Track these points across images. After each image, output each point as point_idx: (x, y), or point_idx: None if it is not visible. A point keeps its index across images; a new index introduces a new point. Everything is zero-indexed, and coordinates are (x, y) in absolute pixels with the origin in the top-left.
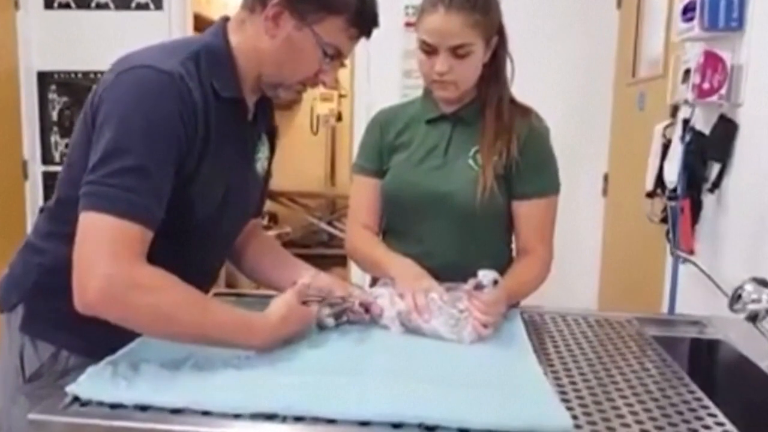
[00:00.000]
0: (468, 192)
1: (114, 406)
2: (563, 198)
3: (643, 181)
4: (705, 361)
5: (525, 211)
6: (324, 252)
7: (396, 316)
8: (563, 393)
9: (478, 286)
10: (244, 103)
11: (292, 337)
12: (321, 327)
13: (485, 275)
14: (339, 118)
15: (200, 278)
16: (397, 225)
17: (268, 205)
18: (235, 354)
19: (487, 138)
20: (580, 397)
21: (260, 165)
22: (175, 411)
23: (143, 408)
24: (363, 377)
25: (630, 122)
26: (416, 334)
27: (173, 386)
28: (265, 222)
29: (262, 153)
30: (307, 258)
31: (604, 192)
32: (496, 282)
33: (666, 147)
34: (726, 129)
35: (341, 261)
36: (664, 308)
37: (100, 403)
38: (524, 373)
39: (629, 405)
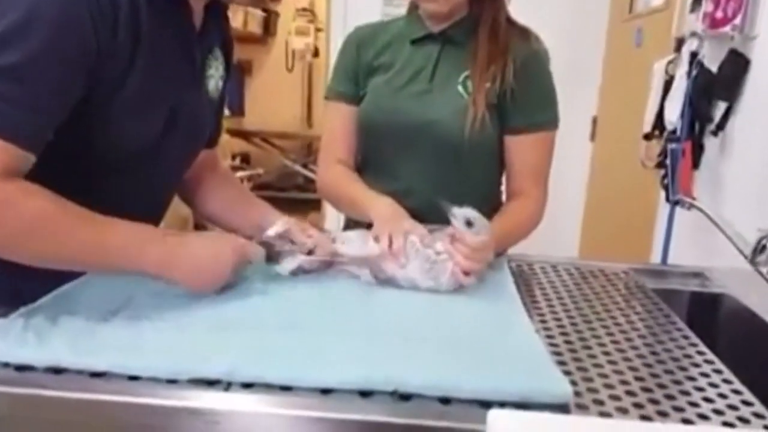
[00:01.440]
0: (456, 122)
1: (20, 368)
2: None
3: (636, 124)
4: (707, 316)
5: (519, 147)
6: (299, 196)
7: (366, 263)
8: (557, 354)
9: (469, 223)
10: (186, 6)
11: (225, 273)
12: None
13: (463, 214)
14: (316, 53)
15: (143, 212)
16: (373, 159)
17: (240, 146)
18: (175, 307)
19: (479, 61)
20: (577, 359)
21: (213, 84)
22: (96, 375)
23: (57, 371)
24: (325, 335)
25: (624, 61)
26: (390, 285)
27: (95, 345)
28: (237, 163)
29: (215, 70)
30: (281, 202)
31: (592, 136)
32: (469, 223)
33: (668, 85)
34: (736, 65)
35: (317, 205)
36: (654, 258)
37: (5, 365)
38: (514, 332)
39: (629, 363)
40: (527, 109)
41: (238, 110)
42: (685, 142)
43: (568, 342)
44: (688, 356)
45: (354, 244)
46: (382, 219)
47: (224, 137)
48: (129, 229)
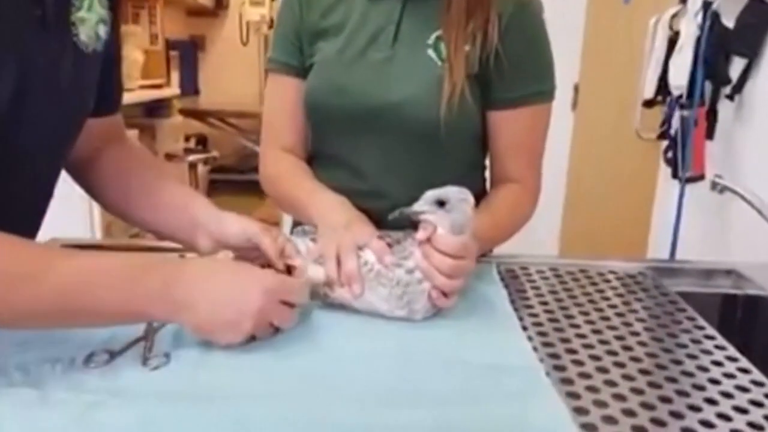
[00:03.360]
0: (427, 99)
1: None
2: None
3: (625, 90)
4: (745, 324)
5: (508, 124)
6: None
7: (311, 288)
8: (567, 381)
9: (441, 203)
10: None
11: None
12: None
13: (434, 195)
14: (272, 24)
15: (9, 217)
16: (325, 148)
17: (196, 127)
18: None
19: (454, 17)
20: (591, 389)
21: (87, 30)
22: None
23: None
24: (245, 400)
25: (610, 20)
26: (343, 309)
27: None
28: (192, 145)
29: (91, 11)
30: (240, 185)
31: (574, 105)
32: (441, 203)
33: (672, 43)
34: (758, 14)
35: None
36: (652, 251)
37: None
38: (516, 374)
39: (659, 391)
40: (518, 77)
41: (192, 89)
42: (699, 108)
43: (583, 375)
44: (729, 375)
45: (298, 258)
46: (326, 228)
47: (178, 119)
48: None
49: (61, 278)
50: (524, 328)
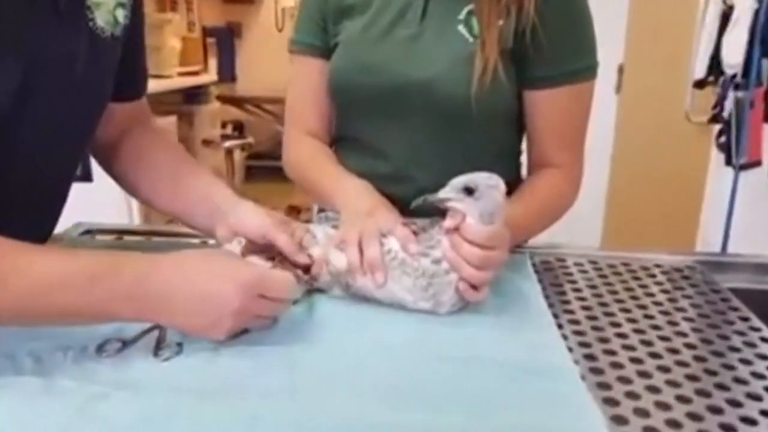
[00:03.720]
0: (457, 76)
1: None
2: None
3: (674, 71)
4: None
5: (546, 104)
6: None
7: (333, 276)
8: (605, 386)
9: (469, 190)
10: None
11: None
12: None
13: (462, 182)
14: None
15: (23, 212)
16: (349, 130)
17: (233, 114)
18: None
19: None
20: (640, 411)
21: (103, 14)
22: None
23: None
24: (255, 398)
25: None
26: (365, 300)
27: None
28: (228, 131)
29: None
30: (275, 171)
31: (618, 88)
32: (469, 190)
33: (726, 17)
34: None
35: None
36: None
37: None
38: (548, 377)
39: (710, 401)
40: (557, 53)
41: (230, 76)
42: (755, 88)
43: (622, 379)
44: None
45: (317, 248)
46: (349, 214)
47: (215, 105)
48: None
49: (22, 281)
50: (559, 326)
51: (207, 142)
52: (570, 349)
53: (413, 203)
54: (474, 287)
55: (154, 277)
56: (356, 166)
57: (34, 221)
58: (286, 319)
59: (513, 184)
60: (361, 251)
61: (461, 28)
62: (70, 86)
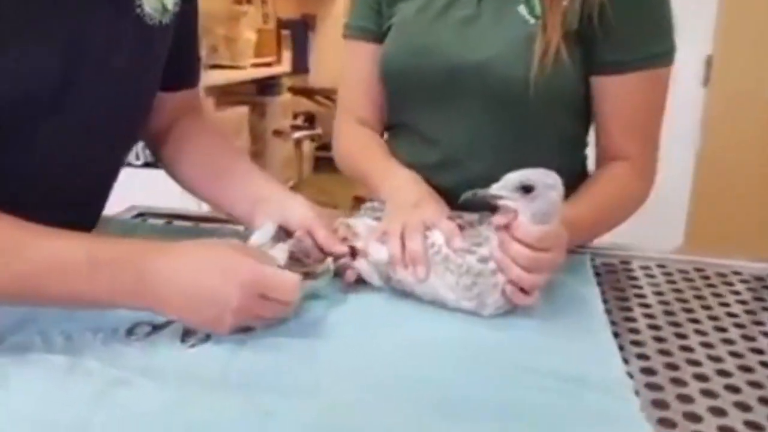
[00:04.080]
0: (515, 58)
1: None
2: None
3: None
4: None
5: (616, 92)
6: None
7: (374, 268)
8: (666, 424)
9: (526, 189)
10: None
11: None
12: None
13: (517, 178)
14: None
15: (64, 202)
16: (401, 118)
17: (305, 105)
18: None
19: None
20: (690, 415)
21: (152, 1)
22: None
23: None
24: (277, 394)
25: None
26: (407, 296)
27: None
28: (299, 122)
29: None
30: None
31: (706, 81)
32: (526, 189)
33: None
34: None
35: None
36: None
37: None
38: (596, 390)
39: None
40: (628, 36)
41: (303, 68)
42: None
43: (683, 398)
44: None
45: (360, 240)
46: (394, 205)
47: (287, 96)
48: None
49: (24, 265)
50: (616, 335)
51: (278, 133)
52: (626, 361)
53: (462, 197)
54: (523, 290)
55: (155, 274)
56: (407, 155)
57: (81, 210)
58: (317, 312)
59: (577, 179)
60: (403, 244)
61: (521, 8)
62: (114, 74)
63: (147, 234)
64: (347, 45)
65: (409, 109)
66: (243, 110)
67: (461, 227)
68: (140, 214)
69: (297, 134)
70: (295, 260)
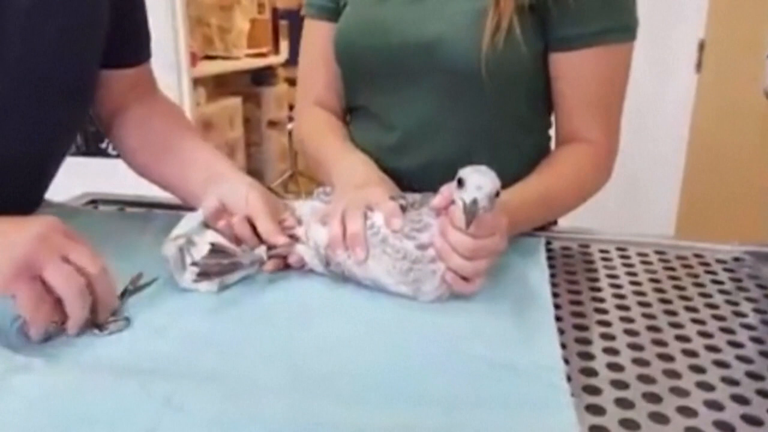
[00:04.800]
0: (466, 36)
1: None
2: (635, 74)
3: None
4: None
5: (572, 68)
6: None
7: (315, 252)
8: (594, 411)
9: (460, 182)
10: None
11: None
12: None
13: (474, 174)
14: None
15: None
16: (356, 100)
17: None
18: None
19: None
20: (628, 422)
21: None
22: None
23: None
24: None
25: None
26: (347, 281)
27: None
28: (293, 113)
29: None
30: None
31: (698, 66)
32: (460, 182)
33: None
34: None
35: None
36: None
37: None
38: (524, 376)
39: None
40: (583, 10)
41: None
42: None
43: (617, 383)
44: None
45: (300, 229)
46: (340, 187)
47: (283, 87)
48: None
49: None
50: (559, 319)
51: (272, 123)
52: (563, 346)
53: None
54: (465, 278)
55: None
56: (365, 138)
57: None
58: (250, 299)
59: (541, 160)
60: (344, 226)
61: None
62: (42, 44)
63: (95, 221)
64: (306, 24)
65: (364, 91)
66: (236, 101)
67: (403, 208)
68: (92, 201)
69: (292, 125)
70: (218, 251)
